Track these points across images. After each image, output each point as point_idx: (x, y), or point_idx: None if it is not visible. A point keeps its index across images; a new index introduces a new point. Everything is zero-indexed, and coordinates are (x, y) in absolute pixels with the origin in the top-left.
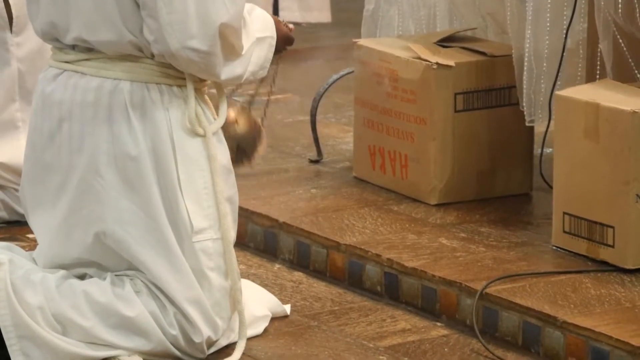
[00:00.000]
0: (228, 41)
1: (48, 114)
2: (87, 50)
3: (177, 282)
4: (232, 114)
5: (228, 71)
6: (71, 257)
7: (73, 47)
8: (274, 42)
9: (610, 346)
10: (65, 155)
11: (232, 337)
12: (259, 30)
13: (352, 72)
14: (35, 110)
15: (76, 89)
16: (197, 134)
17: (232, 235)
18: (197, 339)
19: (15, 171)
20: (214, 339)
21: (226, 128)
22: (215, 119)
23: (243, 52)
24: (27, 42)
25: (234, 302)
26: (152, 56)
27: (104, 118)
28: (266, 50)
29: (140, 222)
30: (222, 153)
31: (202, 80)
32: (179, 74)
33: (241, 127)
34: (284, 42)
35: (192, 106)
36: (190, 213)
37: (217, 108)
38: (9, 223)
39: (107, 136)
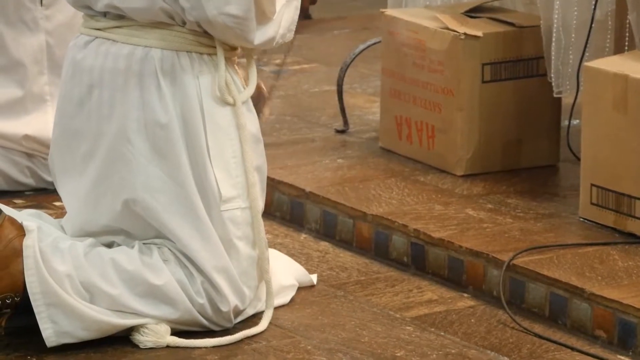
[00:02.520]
0: (260, 6)
1: (78, 81)
2: (118, 17)
3: (205, 251)
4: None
5: (260, 35)
6: (99, 224)
7: (104, 14)
8: (299, 4)
9: (637, 318)
10: (95, 122)
11: (259, 307)
12: None
13: (379, 42)
14: (65, 77)
15: (107, 56)
16: (226, 103)
17: (260, 204)
18: (224, 308)
19: (43, 143)
20: (241, 308)
21: None
22: (244, 88)
23: (274, 17)
24: (56, 15)
25: (262, 271)
26: (183, 24)
27: (134, 85)
28: (293, 13)
29: (169, 190)
30: (252, 122)
31: (233, 49)
32: (209, 42)
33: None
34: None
35: (222, 75)
36: (218, 181)
37: (245, 77)
38: (36, 191)
39: (138, 103)
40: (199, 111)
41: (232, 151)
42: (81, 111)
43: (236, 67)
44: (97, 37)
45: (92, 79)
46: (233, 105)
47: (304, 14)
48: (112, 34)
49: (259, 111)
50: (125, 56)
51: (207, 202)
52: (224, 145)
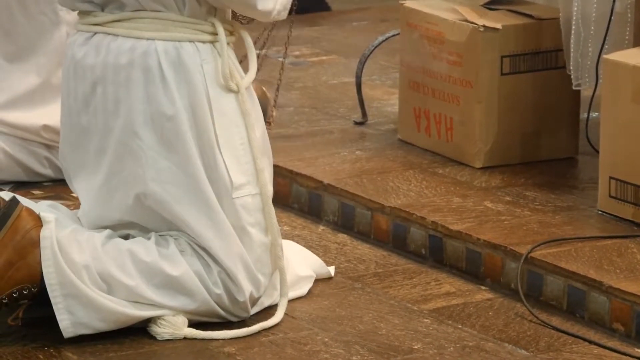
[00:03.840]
0: None
1: (81, 79)
2: (118, 9)
3: (219, 240)
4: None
5: (262, 1)
6: (113, 219)
7: (102, 8)
8: None
9: None
10: (102, 118)
11: (275, 296)
12: None
13: (398, 34)
14: (67, 76)
15: (109, 51)
16: (230, 90)
17: (270, 189)
18: (241, 298)
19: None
20: (256, 295)
21: None
22: (244, 75)
23: None
24: None
25: (275, 258)
26: (183, 5)
27: (138, 79)
28: None
29: (180, 181)
30: (254, 108)
31: (231, 34)
32: (211, 30)
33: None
34: None
35: (226, 62)
36: (229, 169)
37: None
38: (54, 182)
39: (143, 97)
40: (206, 100)
41: (239, 138)
42: (87, 109)
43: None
44: (96, 33)
45: (95, 76)
46: (237, 92)
47: (323, 6)
48: (113, 29)
49: (266, 116)
50: (127, 51)
51: (218, 191)
52: (231, 132)
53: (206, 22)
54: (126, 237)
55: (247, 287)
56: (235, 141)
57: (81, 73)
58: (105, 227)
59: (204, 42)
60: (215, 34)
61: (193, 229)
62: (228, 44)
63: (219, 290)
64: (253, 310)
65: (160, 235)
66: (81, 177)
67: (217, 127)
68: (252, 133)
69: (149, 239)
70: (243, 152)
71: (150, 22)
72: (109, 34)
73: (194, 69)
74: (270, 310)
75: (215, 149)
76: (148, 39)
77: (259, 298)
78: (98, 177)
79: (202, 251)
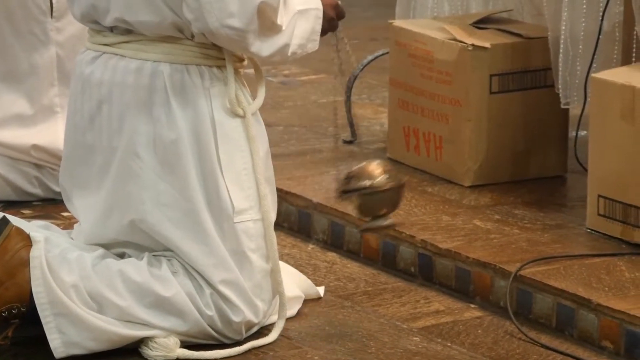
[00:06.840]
0: (267, 19)
1: (88, 96)
2: (126, 32)
3: (213, 266)
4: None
5: (269, 47)
6: (108, 237)
7: (111, 29)
8: (320, 14)
9: None
10: (106, 137)
11: (270, 318)
12: (300, 3)
13: (387, 53)
14: (74, 92)
15: (116, 70)
16: (236, 115)
17: (272, 216)
18: (236, 319)
19: (52, 154)
20: (255, 321)
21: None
22: (252, 100)
23: (283, 28)
24: (67, 27)
25: (275, 283)
26: (192, 37)
27: (143, 100)
28: (312, 22)
29: (177, 205)
30: (260, 134)
31: (241, 61)
32: (218, 55)
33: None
34: (332, 11)
35: (232, 87)
36: (231, 194)
37: (253, 88)
38: (44, 201)
39: (146, 118)
40: (210, 124)
41: (242, 163)
42: (92, 126)
43: (242, 79)
44: (104, 53)
45: (101, 94)
46: (243, 117)
47: None
48: (120, 49)
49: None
50: (134, 71)
51: (219, 215)
52: (234, 157)
53: (214, 47)
54: (121, 256)
55: (245, 312)
56: (238, 166)
57: (88, 90)
58: (101, 245)
59: (210, 66)
60: (222, 58)
61: (185, 254)
62: (236, 69)
63: (210, 312)
64: (249, 332)
65: (153, 256)
66: (82, 195)
67: (220, 151)
68: (256, 159)
69: (141, 259)
70: (246, 178)
71: (157, 44)
72: (116, 54)
73: (200, 93)
74: (262, 330)
75: (218, 172)
76: (154, 60)
77: (257, 324)
78: (100, 196)
79: (195, 272)
